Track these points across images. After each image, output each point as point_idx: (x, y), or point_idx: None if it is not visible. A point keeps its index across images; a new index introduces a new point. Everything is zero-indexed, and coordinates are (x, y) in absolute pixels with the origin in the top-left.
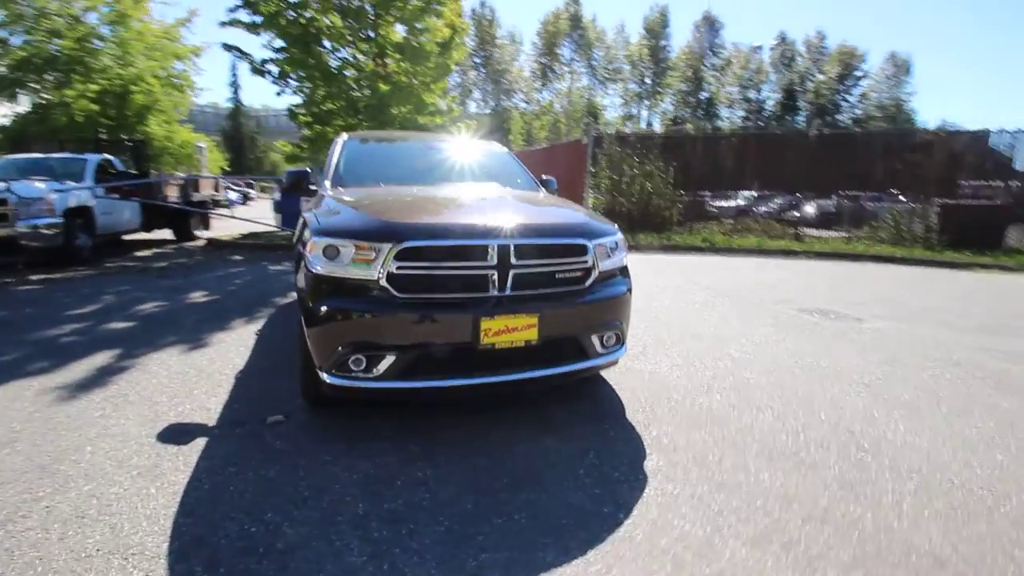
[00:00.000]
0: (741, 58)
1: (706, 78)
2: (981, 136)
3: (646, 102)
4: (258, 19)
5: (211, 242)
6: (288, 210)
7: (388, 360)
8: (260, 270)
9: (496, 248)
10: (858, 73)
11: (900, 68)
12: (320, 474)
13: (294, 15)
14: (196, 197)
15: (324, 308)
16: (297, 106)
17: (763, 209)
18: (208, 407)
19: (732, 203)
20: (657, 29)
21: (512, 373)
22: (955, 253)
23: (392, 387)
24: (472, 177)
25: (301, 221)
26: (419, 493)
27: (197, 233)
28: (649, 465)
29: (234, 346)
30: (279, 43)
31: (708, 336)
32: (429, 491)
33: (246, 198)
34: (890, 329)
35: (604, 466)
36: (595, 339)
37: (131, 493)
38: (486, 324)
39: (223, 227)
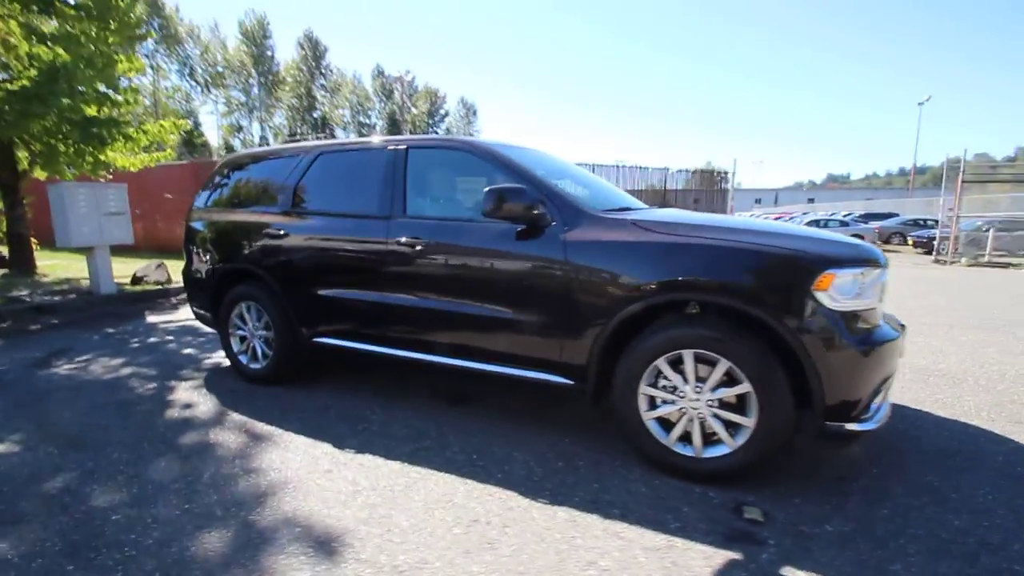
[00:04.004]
0: (348, 83)
1: (318, 97)
2: None
3: (257, 113)
4: None
5: None
6: None
7: (883, 390)
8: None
9: None
10: (442, 111)
11: (469, 110)
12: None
13: None
14: None
15: (866, 346)
16: None
17: None
18: (664, 543)
19: None
20: (257, 38)
21: None
22: None
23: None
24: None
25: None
26: None
27: None
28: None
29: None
30: None
31: None
32: None
33: None
34: None
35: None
36: None
37: None
38: None
39: None
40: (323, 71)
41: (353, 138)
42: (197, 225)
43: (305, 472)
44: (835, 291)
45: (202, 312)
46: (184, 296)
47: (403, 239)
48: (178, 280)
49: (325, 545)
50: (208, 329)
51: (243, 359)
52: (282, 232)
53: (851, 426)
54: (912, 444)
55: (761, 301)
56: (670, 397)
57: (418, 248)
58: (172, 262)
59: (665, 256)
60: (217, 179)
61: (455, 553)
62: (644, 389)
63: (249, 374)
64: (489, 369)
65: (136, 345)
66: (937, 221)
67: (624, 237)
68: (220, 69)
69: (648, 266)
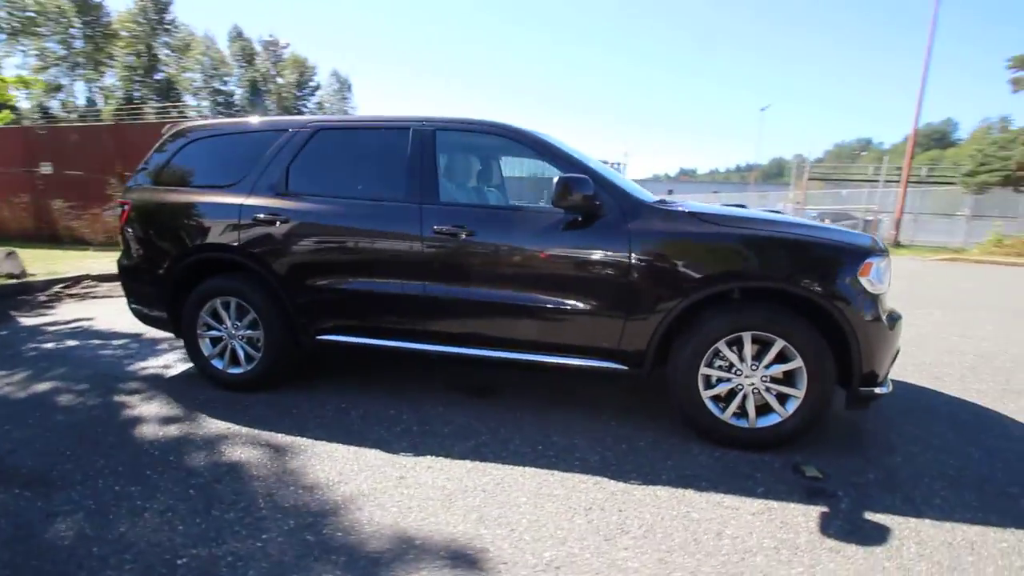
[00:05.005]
0: (200, 44)
1: (162, 58)
2: None
3: (80, 71)
4: None
5: None
6: None
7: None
8: None
9: None
10: (312, 84)
11: (343, 84)
12: None
13: None
14: None
15: (891, 323)
16: None
17: None
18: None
19: None
20: None
21: None
22: None
23: None
24: None
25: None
26: None
27: None
28: None
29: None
30: None
31: None
32: None
33: None
34: None
35: None
36: None
37: None
38: None
39: None
40: (167, 27)
41: (356, 115)
42: (143, 206)
43: (376, 482)
44: (872, 277)
45: (147, 311)
46: (58, 291)
47: (443, 227)
48: (36, 273)
49: (460, 556)
50: (121, 330)
51: (218, 364)
52: (279, 217)
53: (878, 390)
54: (878, 402)
55: (818, 287)
56: (727, 376)
57: (463, 237)
58: (19, 250)
59: (733, 247)
60: (167, 153)
61: (595, 541)
62: (703, 370)
63: (228, 380)
64: (539, 360)
65: (33, 354)
66: (779, 212)
67: (689, 228)
68: (32, 14)
69: (717, 256)
